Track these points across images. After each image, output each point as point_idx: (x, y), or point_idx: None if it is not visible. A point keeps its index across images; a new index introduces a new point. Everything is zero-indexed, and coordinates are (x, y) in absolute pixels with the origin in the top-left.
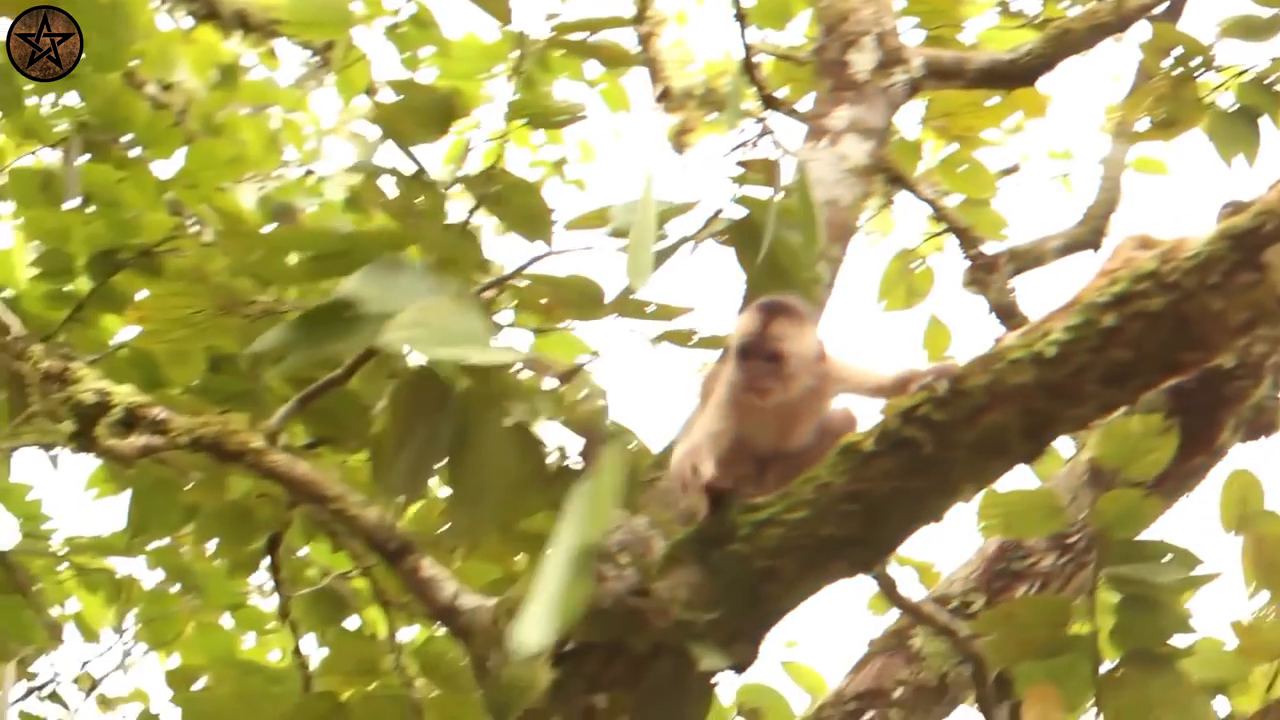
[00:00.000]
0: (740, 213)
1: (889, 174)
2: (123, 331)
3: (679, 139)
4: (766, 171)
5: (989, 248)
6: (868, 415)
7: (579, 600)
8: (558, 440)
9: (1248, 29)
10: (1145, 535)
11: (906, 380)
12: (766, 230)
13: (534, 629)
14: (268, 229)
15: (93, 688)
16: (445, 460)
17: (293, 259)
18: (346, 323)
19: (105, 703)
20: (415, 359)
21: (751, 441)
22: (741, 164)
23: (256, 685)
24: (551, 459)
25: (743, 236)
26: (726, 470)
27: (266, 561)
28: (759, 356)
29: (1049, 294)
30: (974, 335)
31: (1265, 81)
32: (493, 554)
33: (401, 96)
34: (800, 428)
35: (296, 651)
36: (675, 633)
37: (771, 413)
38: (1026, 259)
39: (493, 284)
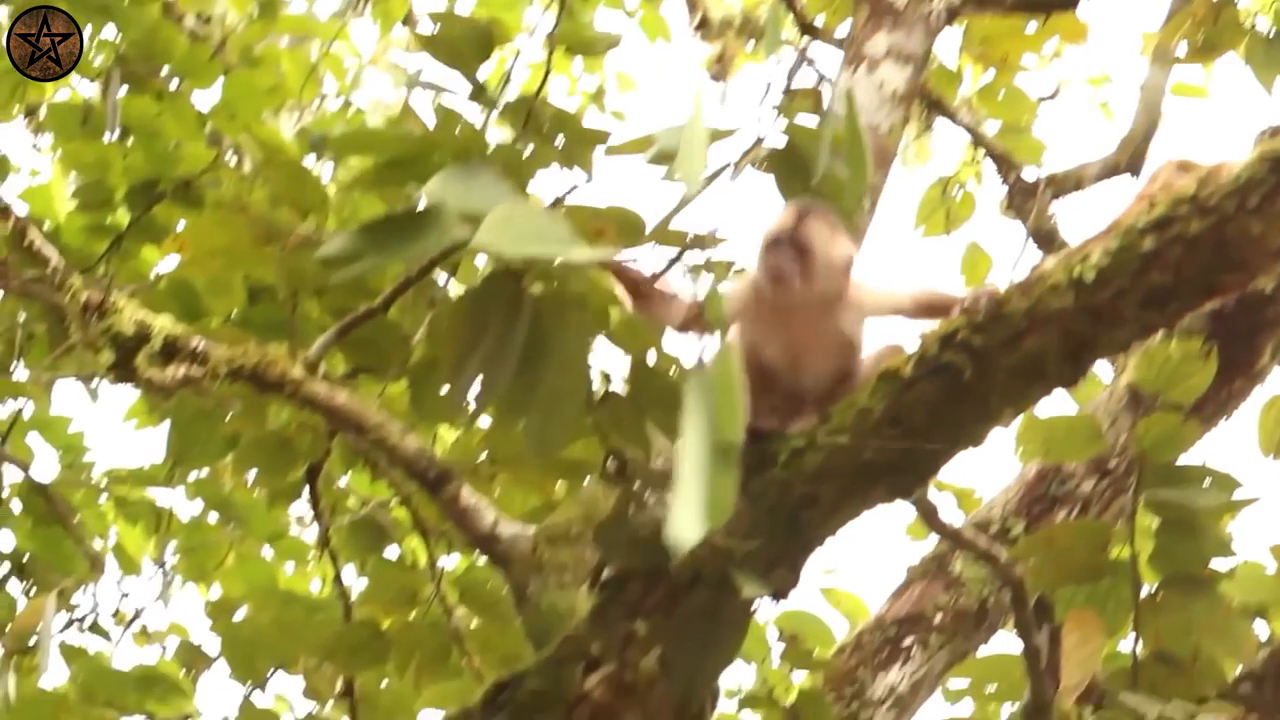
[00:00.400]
0: (780, 141)
1: (927, 100)
2: (162, 263)
3: (717, 68)
4: (812, 99)
5: (1028, 173)
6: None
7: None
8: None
9: None
10: (1184, 459)
11: (933, 300)
12: (818, 158)
13: (686, 522)
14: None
15: (133, 620)
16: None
17: (361, 163)
18: (419, 226)
19: (145, 635)
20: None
21: (769, 365)
22: (786, 92)
23: (297, 614)
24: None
25: (785, 165)
26: (756, 404)
27: (306, 492)
28: (785, 246)
29: (1088, 219)
30: (1013, 262)
31: None
32: (532, 482)
33: (440, 27)
34: (818, 351)
35: (337, 580)
36: (715, 560)
37: (787, 324)
38: (1065, 184)
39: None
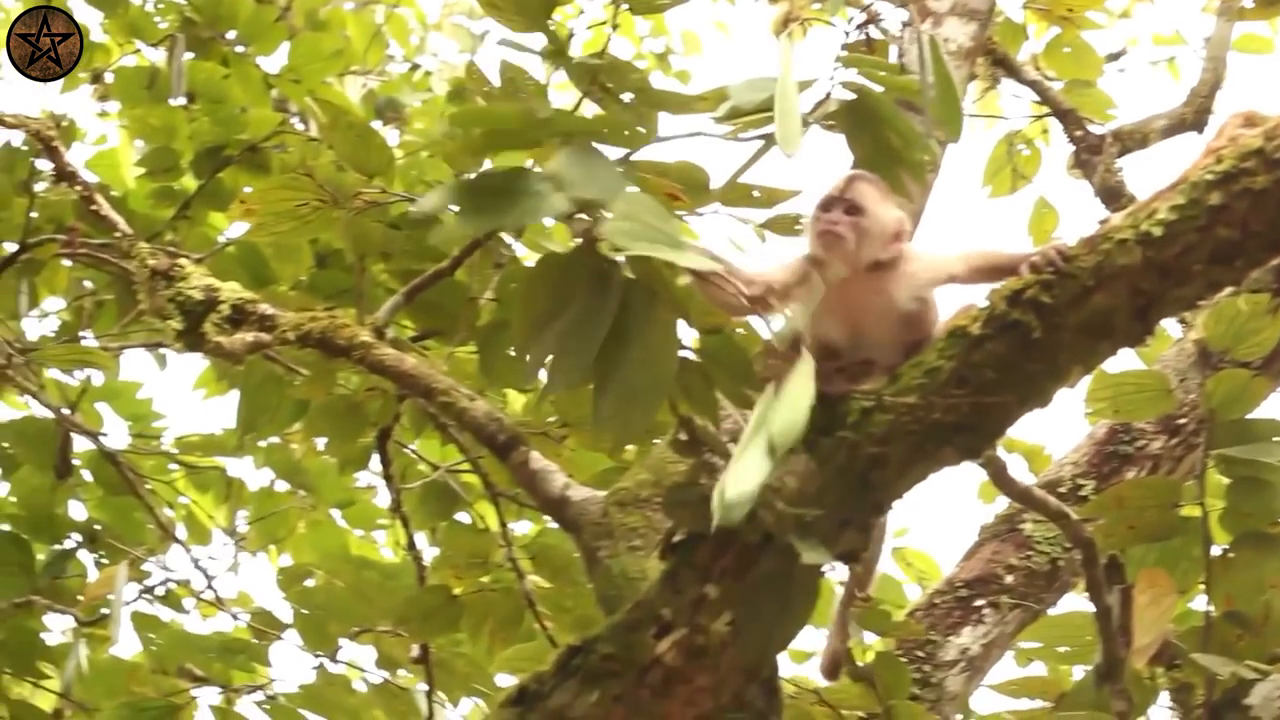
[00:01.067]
0: (848, 96)
1: (993, 57)
2: (230, 229)
3: (783, 29)
4: (879, 52)
5: (1094, 130)
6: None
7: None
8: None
9: None
10: (1254, 415)
11: (991, 262)
12: (887, 110)
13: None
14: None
15: (205, 589)
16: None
17: (431, 128)
18: (516, 191)
19: (217, 603)
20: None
21: (830, 340)
22: (850, 46)
23: (369, 581)
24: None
25: (853, 119)
26: (822, 370)
27: (376, 458)
28: (837, 208)
29: (1155, 175)
30: (1080, 219)
31: None
32: (601, 446)
33: None
34: (877, 321)
35: (410, 545)
36: (784, 523)
37: (842, 295)
38: (1131, 140)
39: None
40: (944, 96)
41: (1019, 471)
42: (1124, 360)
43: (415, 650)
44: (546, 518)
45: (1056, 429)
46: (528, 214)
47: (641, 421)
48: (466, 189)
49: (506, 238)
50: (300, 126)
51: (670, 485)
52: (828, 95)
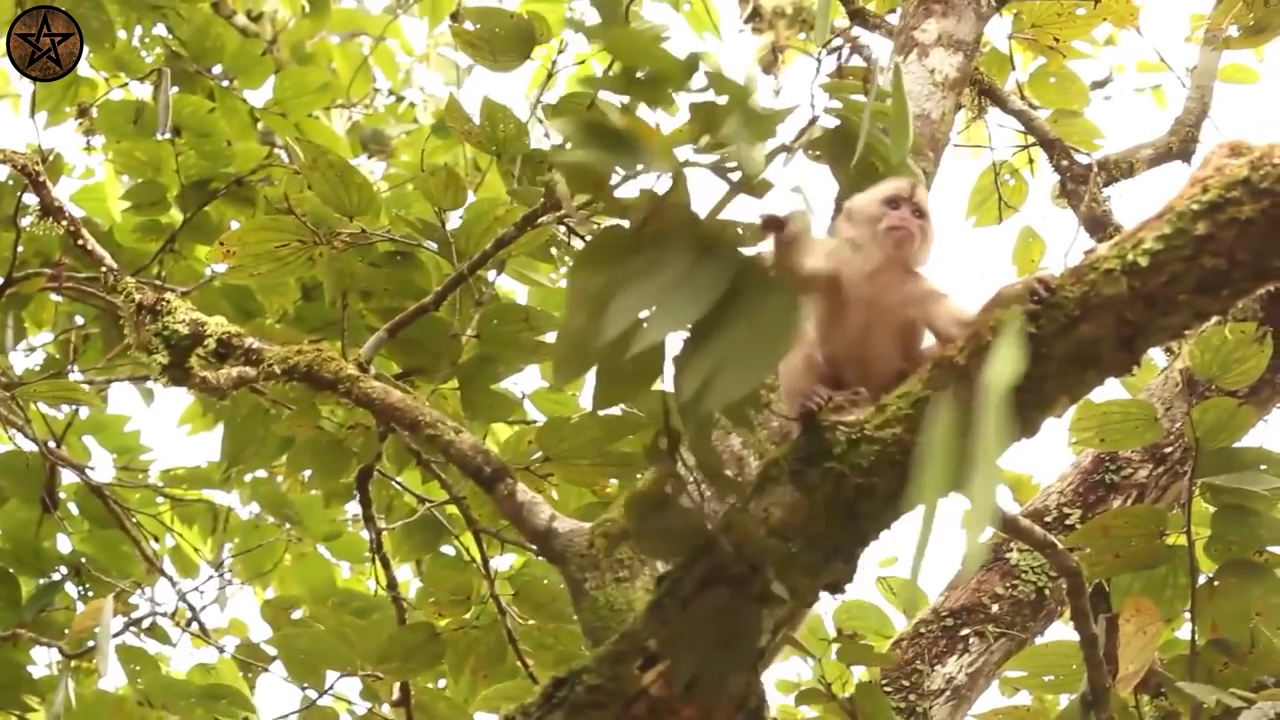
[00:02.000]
0: (833, 124)
1: (979, 87)
2: (219, 261)
3: (769, 60)
4: (861, 78)
5: (1080, 159)
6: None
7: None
8: None
9: None
10: (1239, 444)
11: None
12: (861, 131)
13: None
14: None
15: (190, 621)
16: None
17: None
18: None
19: (203, 635)
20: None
21: (836, 353)
22: (834, 74)
23: (350, 622)
24: None
25: (836, 146)
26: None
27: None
28: (906, 208)
29: (1141, 205)
30: (1066, 249)
31: None
32: (585, 479)
33: (480, 24)
34: (886, 318)
35: (390, 586)
36: (769, 554)
37: (865, 287)
38: (1117, 170)
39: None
40: (896, 120)
41: (1005, 500)
42: (1110, 389)
43: (396, 691)
44: (530, 552)
45: (1043, 458)
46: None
47: (734, 392)
48: (588, 132)
49: (489, 275)
50: (286, 159)
51: (634, 498)
52: (813, 120)
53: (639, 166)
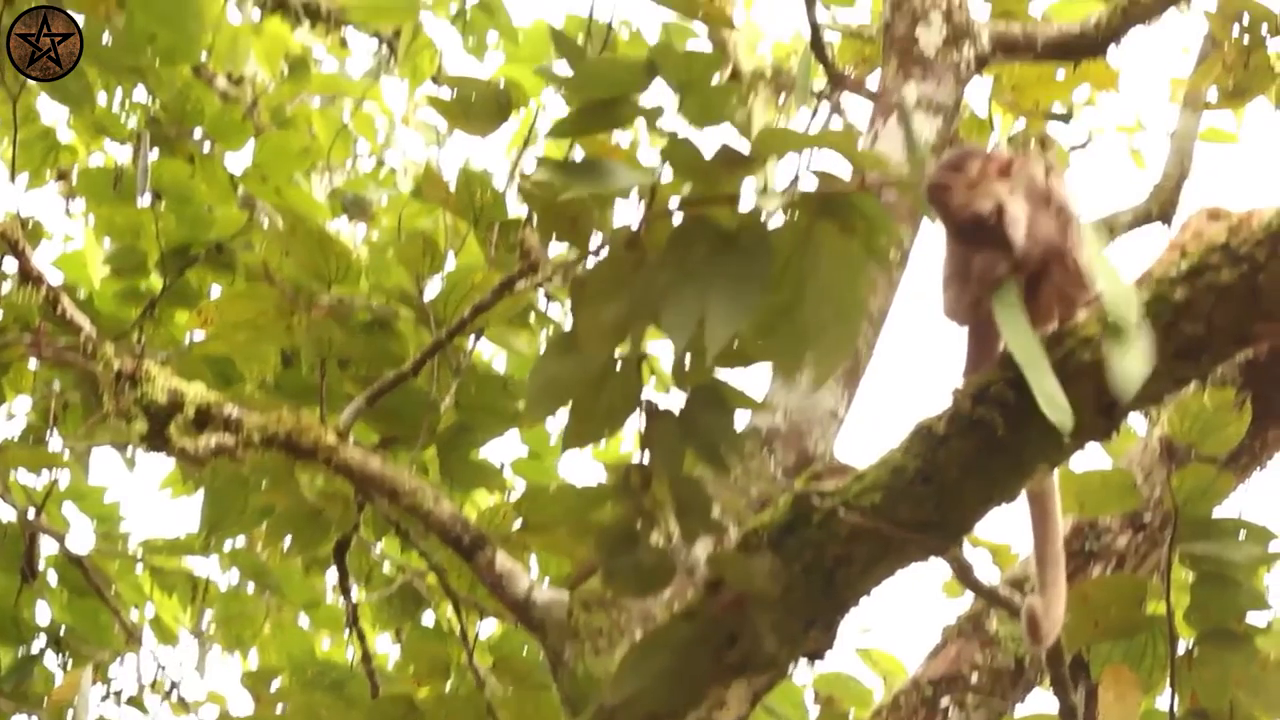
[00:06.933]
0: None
1: None
2: (197, 329)
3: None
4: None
5: None
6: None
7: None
8: None
9: None
10: (1219, 512)
11: None
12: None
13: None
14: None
15: (170, 691)
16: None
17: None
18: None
19: (183, 706)
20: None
21: None
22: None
23: (325, 699)
24: None
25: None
26: None
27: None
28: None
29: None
30: None
31: None
32: (564, 548)
33: (457, 91)
34: None
35: (365, 659)
36: (750, 622)
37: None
38: None
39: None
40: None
41: (984, 569)
42: (1089, 456)
43: None
44: (510, 620)
45: (1022, 526)
46: (628, 184)
47: (827, 359)
48: (570, 167)
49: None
50: (266, 224)
51: (603, 533)
52: (795, 180)
53: (614, 185)
